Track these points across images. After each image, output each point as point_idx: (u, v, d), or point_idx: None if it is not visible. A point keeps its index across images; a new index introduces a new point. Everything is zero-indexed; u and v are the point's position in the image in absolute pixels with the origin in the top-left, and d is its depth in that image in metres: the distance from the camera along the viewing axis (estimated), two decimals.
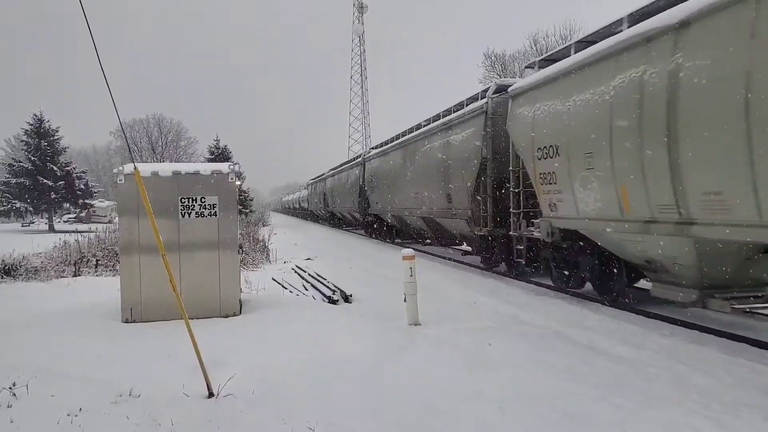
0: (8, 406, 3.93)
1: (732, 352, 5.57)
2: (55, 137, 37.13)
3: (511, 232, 10.16)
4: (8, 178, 35.81)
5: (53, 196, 35.82)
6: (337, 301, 8.55)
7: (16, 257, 11.26)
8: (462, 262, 14.23)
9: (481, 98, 11.48)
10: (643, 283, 8.27)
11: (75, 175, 37.54)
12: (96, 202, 44.35)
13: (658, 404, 4.10)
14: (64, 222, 45.97)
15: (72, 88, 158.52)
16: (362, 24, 71.43)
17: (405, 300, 6.83)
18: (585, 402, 4.15)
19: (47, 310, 7.26)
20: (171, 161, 50.44)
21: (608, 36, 7.12)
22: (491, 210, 10.95)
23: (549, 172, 8.22)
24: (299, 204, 58.33)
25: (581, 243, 8.31)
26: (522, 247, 10.06)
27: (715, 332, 6.39)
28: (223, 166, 7.12)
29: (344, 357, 5.27)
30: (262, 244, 16.28)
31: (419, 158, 15.38)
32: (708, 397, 4.24)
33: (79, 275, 11.13)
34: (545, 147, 8.27)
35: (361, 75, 71.58)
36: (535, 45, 35.66)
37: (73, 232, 15.80)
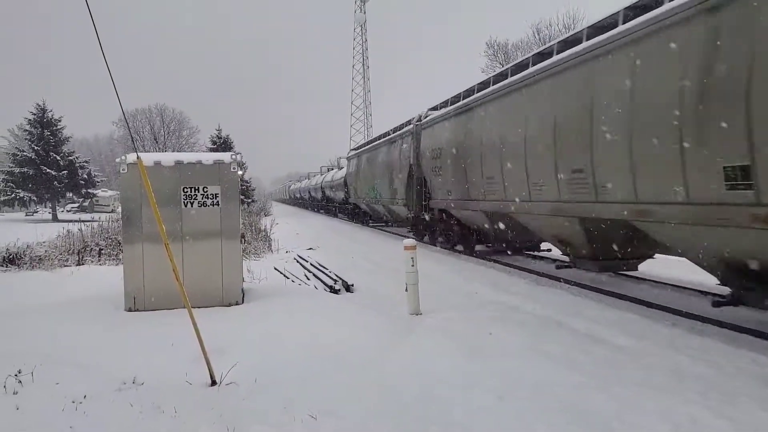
0: (14, 393, 3.98)
1: (734, 343, 5.57)
2: (58, 127, 37.14)
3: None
4: (12, 167, 35.85)
5: (57, 185, 35.89)
6: (339, 290, 8.60)
7: (21, 246, 11.32)
8: None
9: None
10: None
11: (78, 164, 37.56)
12: (99, 192, 44.41)
13: (657, 394, 4.12)
14: (67, 211, 46.10)
15: (73, 78, 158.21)
16: (364, 13, 71.03)
17: (406, 290, 6.86)
18: (583, 391, 4.18)
19: (51, 299, 7.31)
20: (173, 151, 50.44)
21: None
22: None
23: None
24: (322, 192, 38.75)
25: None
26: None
27: (718, 323, 6.40)
28: (225, 156, 7.13)
29: (345, 346, 5.31)
30: (263, 233, 16.33)
31: None
32: (707, 387, 4.26)
33: (83, 264, 11.18)
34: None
35: (363, 64, 71.28)
36: (538, 34, 35.45)
37: (76, 221, 15.85)
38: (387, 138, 19.57)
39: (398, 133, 17.91)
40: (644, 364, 4.85)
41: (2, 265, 10.66)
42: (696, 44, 5.50)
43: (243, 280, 7.61)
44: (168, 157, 7.00)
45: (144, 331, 5.73)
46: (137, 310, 6.70)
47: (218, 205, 6.98)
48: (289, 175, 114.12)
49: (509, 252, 12.63)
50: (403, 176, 16.72)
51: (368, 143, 24.06)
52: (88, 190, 39.59)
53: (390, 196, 18.58)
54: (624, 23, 6.76)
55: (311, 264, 11.45)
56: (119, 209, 8.42)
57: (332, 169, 39.03)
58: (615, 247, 7.83)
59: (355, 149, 27.85)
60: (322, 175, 42.63)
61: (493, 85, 10.70)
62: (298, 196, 59.23)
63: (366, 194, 22.79)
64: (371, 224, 25.78)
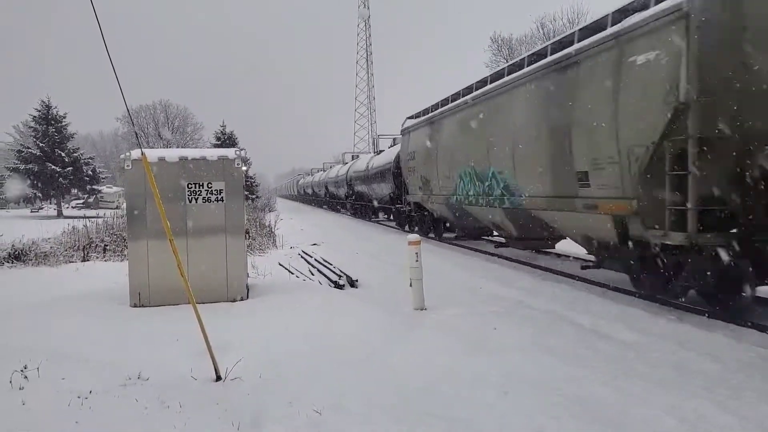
0: (20, 389, 4.00)
1: (740, 337, 5.54)
2: (63, 123, 37.22)
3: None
4: (17, 164, 35.97)
5: (61, 181, 35.99)
6: (343, 286, 8.60)
7: (26, 242, 11.36)
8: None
9: None
10: None
11: (83, 161, 37.64)
12: (104, 188, 44.52)
13: (661, 388, 4.11)
14: (72, 208, 46.25)
15: (77, 75, 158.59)
16: (368, 8, 70.79)
17: (411, 285, 6.86)
18: (587, 386, 4.17)
19: (56, 295, 7.34)
20: (177, 147, 50.48)
21: None
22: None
23: None
24: (348, 185, 28.85)
25: None
26: None
27: (724, 318, 6.36)
28: (230, 152, 7.13)
29: (350, 341, 5.31)
30: (268, 229, 16.37)
31: None
32: (712, 382, 4.25)
33: (88, 260, 11.23)
34: None
35: (367, 60, 71.08)
36: (542, 29, 35.33)
37: (81, 217, 15.90)
38: (534, 68, 8.69)
39: (587, 43, 7.25)
40: (649, 359, 4.83)
41: (8, 262, 10.72)
42: None
43: (248, 276, 7.62)
44: (172, 153, 7.02)
45: (149, 326, 5.75)
46: (142, 306, 6.73)
47: (222, 200, 6.98)
48: (293, 170, 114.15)
49: None
50: (624, 143, 6.54)
51: (458, 94, 12.46)
52: (93, 187, 39.66)
53: (548, 190, 8.50)
54: None
55: (315, 259, 11.47)
56: (124, 205, 8.44)
57: (353, 158, 30.91)
58: None
59: (416, 115, 15.68)
60: (345, 164, 32.08)
61: None
62: (310, 191, 48.35)
63: (451, 188, 12.86)
64: (455, 241, 15.18)
